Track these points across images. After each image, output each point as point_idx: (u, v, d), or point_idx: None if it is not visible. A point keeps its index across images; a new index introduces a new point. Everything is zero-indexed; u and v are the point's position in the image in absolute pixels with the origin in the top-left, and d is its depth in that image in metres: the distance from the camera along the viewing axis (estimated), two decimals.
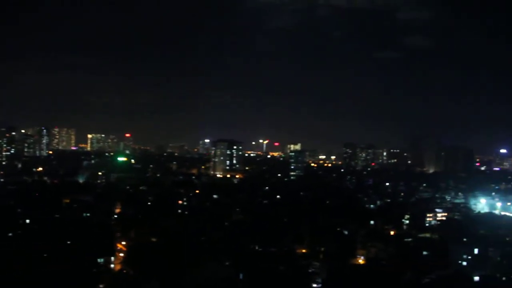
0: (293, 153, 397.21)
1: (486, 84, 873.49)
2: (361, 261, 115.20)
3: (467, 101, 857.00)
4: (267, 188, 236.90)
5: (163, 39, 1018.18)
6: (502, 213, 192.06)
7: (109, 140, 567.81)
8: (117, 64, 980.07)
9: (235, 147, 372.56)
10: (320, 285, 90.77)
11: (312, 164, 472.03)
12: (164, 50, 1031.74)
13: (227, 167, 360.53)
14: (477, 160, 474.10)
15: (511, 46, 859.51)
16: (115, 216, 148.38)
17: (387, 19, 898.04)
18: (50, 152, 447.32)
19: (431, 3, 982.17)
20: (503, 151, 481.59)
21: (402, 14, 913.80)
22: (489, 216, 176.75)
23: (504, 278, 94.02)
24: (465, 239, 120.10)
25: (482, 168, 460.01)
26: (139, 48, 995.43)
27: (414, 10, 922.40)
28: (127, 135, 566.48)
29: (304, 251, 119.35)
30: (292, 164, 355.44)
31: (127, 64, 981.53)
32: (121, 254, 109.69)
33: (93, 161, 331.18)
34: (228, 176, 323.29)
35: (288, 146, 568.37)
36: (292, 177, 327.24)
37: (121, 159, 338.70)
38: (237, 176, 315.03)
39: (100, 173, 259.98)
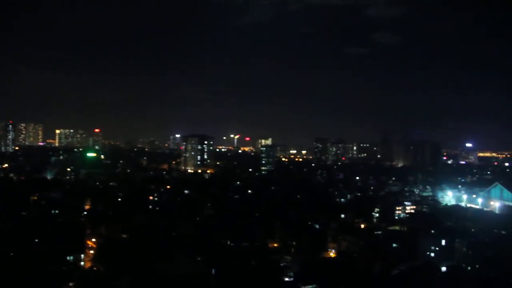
0: (264, 148, 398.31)
1: (453, 80, 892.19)
2: (332, 254, 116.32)
3: (434, 96, 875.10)
4: (238, 183, 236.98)
5: (134, 35, 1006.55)
6: (468, 205, 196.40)
7: (78, 136, 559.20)
8: (87, 60, 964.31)
9: (206, 142, 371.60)
10: (292, 279, 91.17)
11: (283, 159, 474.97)
12: (135, 46, 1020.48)
13: (198, 162, 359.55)
14: (444, 154, 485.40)
15: (478, 43, 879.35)
16: (85, 212, 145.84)
17: (357, 16, 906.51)
18: (17, 148, 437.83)
19: (397, 1, 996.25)
20: (468, 145, 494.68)
21: (372, 10, 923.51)
22: (456, 208, 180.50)
23: (469, 268, 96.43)
24: (433, 231, 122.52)
25: (449, 162, 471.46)
26: (109, 44, 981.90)
27: (383, 7, 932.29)
28: (97, 130, 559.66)
29: (276, 245, 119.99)
30: (263, 159, 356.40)
31: (97, 59, 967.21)
32: (91, 251, 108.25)
33: (61, 157, 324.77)
34: (199, 171, 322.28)
35: (259, 141, 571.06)
36: (263, 172, 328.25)
37: (90, 154, 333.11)
38: (208, 171, 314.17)
39: (68, 169, 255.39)
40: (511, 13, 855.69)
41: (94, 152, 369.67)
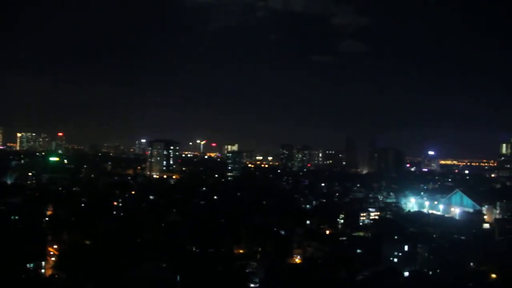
0: (230, 154, 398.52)
1: (417, 88, 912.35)
2: (297, 260, 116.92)
3: (399, 104, 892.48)
4: (204, 188, 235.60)
5: (100, 39, 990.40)
6: (430, 211, 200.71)
7: (40, 139, 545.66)
8: (52, 63, 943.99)
9: (172, 147, 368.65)
10: (257, 285, 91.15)
11: (250, 165, 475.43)
12: (100, 50, 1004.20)
13: (164, 168, 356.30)
14: (407, 161, 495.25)
15: (442, 52, 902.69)
16: (47, 218, 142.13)
17: (324, 24, 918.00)
18: None
19: (364, 10, 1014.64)
20: (431, 152, 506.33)
21: (339, 19, 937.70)
22: (418, 214, 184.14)
23: (431, 273, 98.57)
24: (396, 237, 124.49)
25: (412, 169, 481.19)
26: (74, 47, 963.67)
27: (350, 17, 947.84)
28: (60, 134, 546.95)
29: (241, 251, 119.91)
30: (230, 165, 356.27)
31: (61, 62, 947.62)
32: (53, 258, 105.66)
33: (22, 161, 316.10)
34: (165, 176, 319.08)
35: (226, 146, 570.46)
36: (229, 178, 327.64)
37: (53, 159, 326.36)
38: (174, 177, 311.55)
39: (30, 174, 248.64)
40: (473, 18, 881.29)
41: (57, 156, 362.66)
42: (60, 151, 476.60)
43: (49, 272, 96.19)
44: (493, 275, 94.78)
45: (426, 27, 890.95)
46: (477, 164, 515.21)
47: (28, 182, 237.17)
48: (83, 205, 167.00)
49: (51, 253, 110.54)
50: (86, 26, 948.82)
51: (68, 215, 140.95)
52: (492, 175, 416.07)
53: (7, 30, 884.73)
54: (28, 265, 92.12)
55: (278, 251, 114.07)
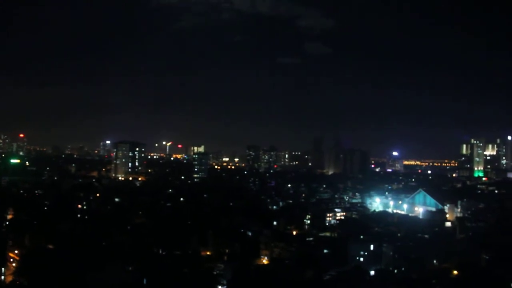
0: (196, 155, 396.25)
1: (382, 89, 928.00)
2: (265, 261, 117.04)
3: (363, 105, 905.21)
4: (170, 190, 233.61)
5: (63, 39, 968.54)
6: (395, 211, 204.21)
7: (1, 141, 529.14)
8: (12, 63, 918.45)
9: (137, 148, 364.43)
10: (225, 287, 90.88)
11: (216, 166, 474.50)
12: (64, 50, 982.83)
13: (129, 170, 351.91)
14: (372, 162, 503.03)
15: (405, 52, 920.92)
16: (7, 222, 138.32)
17: (289, 26, 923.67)
18: None
19: (330, 12, 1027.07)
20: (395, 153, 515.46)
21: (304, 22, 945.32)
22: (383, 214, 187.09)
23: (396, 271, 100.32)
24: (362, 236, 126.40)
25: (377, 170, 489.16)
26: (36, 46, 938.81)
27: (315, 19, 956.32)
28: (21, 135, 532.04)
29: (208, 253, 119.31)
30: (196, 166, 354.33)
31: (22, 63, 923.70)
32: (14, 264, 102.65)
33: None
34: (131, 178, 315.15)
35: (192, 148, 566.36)
36: (195, 179, 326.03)
37: (14, 161, 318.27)
38: (139, 179, 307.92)
39: None
40: (434, 16, 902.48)
41: (18, 158, 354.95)
42: (21, 153, 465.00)
43: (10, 278, 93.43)
44: (455, 272, 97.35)
45: (389, 28, 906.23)
46: (439, 164, 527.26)
47: None
48: (45, 208, 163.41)
49: (12, 258, 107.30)
50: (48, 25, 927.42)
51: (30, 219, 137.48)
52: (454, 175, 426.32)
53: None
54: None
55: (245, 253, 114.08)
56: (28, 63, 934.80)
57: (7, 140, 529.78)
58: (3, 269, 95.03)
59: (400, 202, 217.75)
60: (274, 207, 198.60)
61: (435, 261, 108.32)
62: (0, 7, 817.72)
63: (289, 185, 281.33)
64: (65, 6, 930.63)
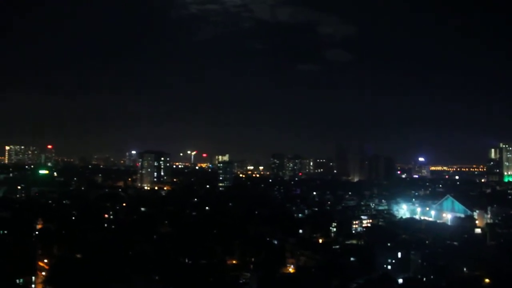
0: (221, 164, 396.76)
1: (405, 95, 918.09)
2: (291, 269, 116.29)
3: (387, 111, 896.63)
4: (195, 199, 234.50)
5: (88, 50, 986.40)
6: (422, 217, 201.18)
7: (29, 152, 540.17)
8: (40, 75, 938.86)
9: (162, 158, 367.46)
10: None
11: (241, 175, 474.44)
12: (90, 61, 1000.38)
13: (155, 179, 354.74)
14: (398, 168, 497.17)
15: (429, 58, 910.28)
16: (36, 232, 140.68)
17: (309, 34, 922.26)
18: None
19: (350, 19, 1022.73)
20: (421, 159, 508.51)
21: (324, 29, 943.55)
22: (411, 221, 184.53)
23: (424, 279, 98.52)
24: (389, 244, 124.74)
25: (403, 176, 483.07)
26: (63, 59, 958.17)
27: (334, 25, 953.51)
28: (49, 146, 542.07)
29: (234, 262, 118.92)
30: (221, 175, 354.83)
31: (48, 75, 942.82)
32: (43, 273, 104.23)
33: (11, 174, 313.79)
34: (156, 188, 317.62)
35: (217, 157, 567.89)
36: (221, 188, 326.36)
37: (42, 172, 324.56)
38: (165, 188, 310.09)
39: (19, 187, 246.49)
40: (459, 23, 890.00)
41: (46, 169, 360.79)
42: (49, 164, 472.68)
43: (40, 287, 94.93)
44: (487, 280, 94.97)
45: (412, 34, 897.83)
46: (466, 169, 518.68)
47: (17, 195, 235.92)
48: (73, 218, 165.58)
49: (41, 267, 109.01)
50: (74, 37, 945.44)
51: (58, 229, 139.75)
52: (482, 180, 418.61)
53: None
54: (17, 281, 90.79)
55: (271, 261, 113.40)
56: (55, 74, 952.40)
57: (35, 152, 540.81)
58: (33, 278, 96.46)
59: (427, 208, 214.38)
60: (300, 215, 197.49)
61: (465, 269, 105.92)
62: (30, 21, 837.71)
63: (314, 193, 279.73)
64: (90, 19, 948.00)
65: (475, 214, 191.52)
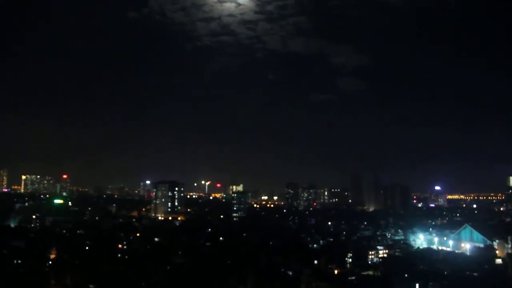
0: (235, 194, 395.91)
1: (419, 123, 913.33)
2: None
3: (401, 140, 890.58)
4: (209, 230, 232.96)
5: (100, 79, 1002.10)
6: (440, 247, 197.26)
7: (45, 182, 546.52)
8: (53, 104, 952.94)
9: (176, 188, 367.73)
10: None
11: (255, 205, 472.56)
12: (101, 90, 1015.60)
13: (169, 209, 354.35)
14: (414, 197, 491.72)
15: (443, 86, 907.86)
16: (50, 262, 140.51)
17: (322, 63, 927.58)
18: None
19: (363, 48, 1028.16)
20: (437, 188, 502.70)
21: (337, 58, 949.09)
22: (428, 251, 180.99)
23: None
24: (406, 275, 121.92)
25: (419, 205, 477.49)
26: (78, 87, 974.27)
27: (346, 55, 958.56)
28: (64, 176, 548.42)
29: None
30: (235, 205, 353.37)
31: (63, 104, 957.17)
32: None
33: (26, 204, 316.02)
34: (170, 218, 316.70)
35: (230, 187, 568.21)
36: (235, 219, 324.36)
37: (57, 201, 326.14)
38: (179, 218, 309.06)
39: (34, 217, 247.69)
40: (473, 53, 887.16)
41: (61, 198, 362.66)
42: (64, 193, 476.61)
43: None
44: None
45: (426, 63, 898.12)
46: (484, 198, 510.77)
47: (32, 225, 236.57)
48: (87, 248, 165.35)
49: None
50: (88, 67, 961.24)
51: (72, 258, 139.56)
52: (501, 209, 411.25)
53: (8, 70, 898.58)
54: None
55: None
56: (70, 104, 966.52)
57: (51, 181, 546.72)
58: None
59: (445, 238, 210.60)
60: (315, 245, 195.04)
61: None
62: (49, 50, 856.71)
63: (329, 223, 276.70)
64: (106, 50, 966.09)
65: (495, 244, 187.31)
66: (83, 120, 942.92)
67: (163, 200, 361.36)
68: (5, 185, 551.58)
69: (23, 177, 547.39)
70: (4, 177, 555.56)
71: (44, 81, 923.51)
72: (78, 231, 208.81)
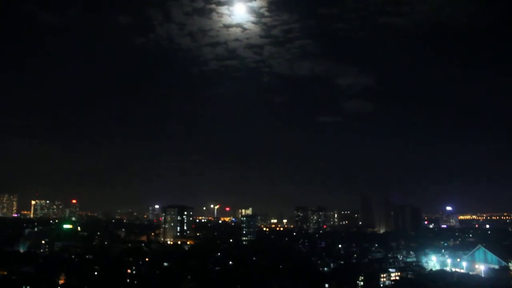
0: (244, 218, 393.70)
1: (428, 143, 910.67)
2: None
3: (410, 160, 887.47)
4: (219, 254, 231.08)
5: (108, 104, 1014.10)
6: (453, 269, 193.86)
7: (54, 207, 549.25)
8: (62, 130, 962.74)
9: (185, 212, 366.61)
10: None
11: (264, 228, 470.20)
12: (111, 116, 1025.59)
13: (178, 233, 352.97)
14: (425, 218, 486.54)
15: (452, 105, 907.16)
16: (59, 287, 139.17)
17: (327, 86, 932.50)
18: None
19: (369, 70, 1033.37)
20: (449, 208, 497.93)
21: (342, 80, 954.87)
22: (441, 273, 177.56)
23: None
24: None
25: (431, 226, 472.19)
26: (84, 113, 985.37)
27: (353, 77, 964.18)
28: (74, 201, 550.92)
29: None
30: (244, 229, 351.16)
31: (72, 130, 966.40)
32: None
33: (36, 229, 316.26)
34: (179, 242, 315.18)
35: (240, 210, 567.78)
36: (244, 242, 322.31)
37: (66, 226, 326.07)
38: (188, 243, 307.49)
39: (43, 242, 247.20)
40: (479, 71, 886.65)
41: (70, 223, 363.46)
42: (73, 218, 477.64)
43: None
44: None
45: (432, 82, 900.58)
46: (497, 218, 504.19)
47: (41, 250, 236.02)
48: (96, 273, 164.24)
49: None
50: (95, 93, 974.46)
51: (81, 284, 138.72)
52: None
53: (18, 97, 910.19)
54: None
55: None
56: (78, 130, 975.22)
57: (60, 206, 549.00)
58: None
59: (458, 259, 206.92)
60: (325, 268, 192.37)
61: None
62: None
63: (340, 245, 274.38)
64: (115, 75, 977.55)
65: (511, 265, 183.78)
66: (91, 146, 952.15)
67: (172, 224, 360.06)
68: (15, 210, 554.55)
69: (33, 202, 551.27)
70: (14, 202, 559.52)
71: (54, 107, 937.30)
72: (87, 256, 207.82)
